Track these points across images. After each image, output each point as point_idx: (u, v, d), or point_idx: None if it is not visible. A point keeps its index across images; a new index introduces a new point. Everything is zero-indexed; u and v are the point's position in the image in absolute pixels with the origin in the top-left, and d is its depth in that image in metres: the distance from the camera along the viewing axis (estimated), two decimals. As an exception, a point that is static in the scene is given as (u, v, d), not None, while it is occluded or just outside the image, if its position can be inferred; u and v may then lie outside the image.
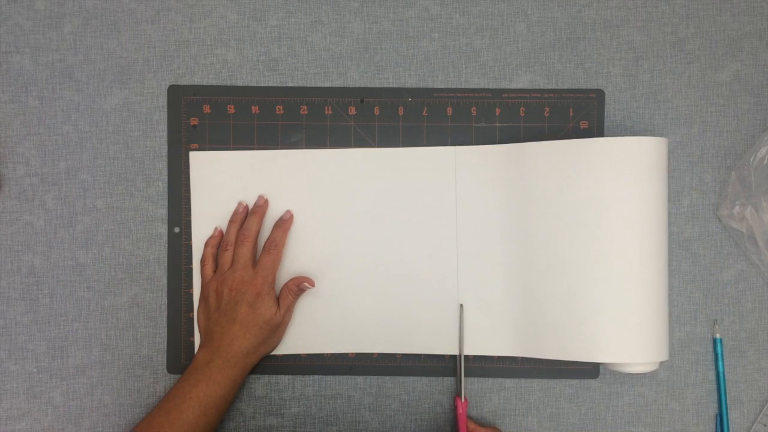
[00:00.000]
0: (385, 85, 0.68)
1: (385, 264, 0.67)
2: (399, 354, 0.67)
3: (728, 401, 0.67)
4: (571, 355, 0.62)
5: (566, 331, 0.62)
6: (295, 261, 0.67)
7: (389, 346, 0.66)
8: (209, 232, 0.67)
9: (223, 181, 0.67)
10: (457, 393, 0.65)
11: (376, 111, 0.68)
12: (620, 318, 0.61)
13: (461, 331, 0.65)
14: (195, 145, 0.68)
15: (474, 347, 0.66)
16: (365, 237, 0.67)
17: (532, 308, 0.63)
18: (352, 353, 0.67)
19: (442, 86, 0.68)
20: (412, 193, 0.67)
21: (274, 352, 0.67)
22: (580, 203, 0.62)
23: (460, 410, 0.64)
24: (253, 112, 0.68)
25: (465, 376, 0.68)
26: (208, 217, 0.67)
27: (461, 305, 0.66)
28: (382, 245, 0.67)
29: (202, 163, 0.68)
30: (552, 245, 0.63)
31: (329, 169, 0.67)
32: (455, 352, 0.66)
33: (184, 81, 0.69)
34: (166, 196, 0.68)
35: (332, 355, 0.68)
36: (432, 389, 0.68)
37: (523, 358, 0.67)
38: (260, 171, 0.67)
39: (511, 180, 0.65)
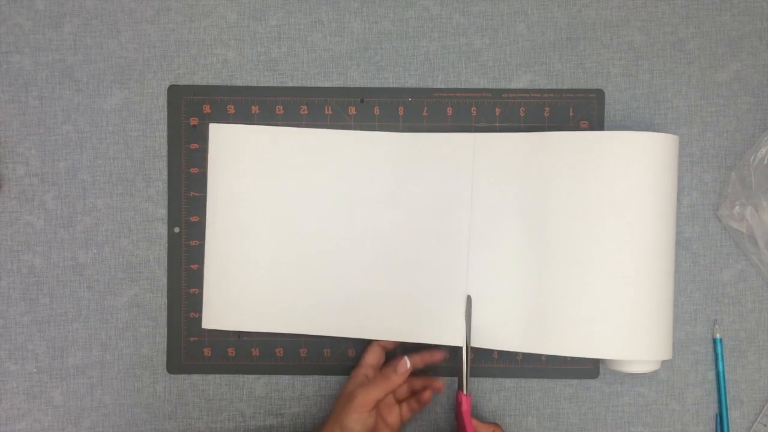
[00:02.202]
0: (385, 85, 0.68)
1: (396, 248, 0.66)
2: (399, 352, 0.67)
3: (728, 401, 0.67)
4: (577, 351, 0.62)
5: (574, 327, 0.62)
6: (306, 241, 0.66)
7: (393, 334, 0.65)
8: (222, 206, 0.67)
9: (241, 155, 0.67)
10: (460, 388, 0.63)
11: (376, 111, 0.68)
12: (628, 314, 0.61)
13: (468, 323, 0.64)
14: (195, 145, 0.68)
15: (480, 340, 0.64)
16: (378, 220, 0.66)
17: (542, 302, 0.63)
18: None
19: (442, 86, 0.68)
20: (429, 178, 0.66)
21: (289, 331, 0.66)
22: (594, 196, 0.62)
23: (464, 407, 0.62)
24: (253, 112, 0.68)
25: (465, 376, 0.68)
26: (222, 190, 0.67)
27: (468, 296, 0.65)
28: (394, 229, 0.66)
29: (223, 135, 0.67)
30: (565, 238, 0.62)
31: (347, 149, 0.67)
32: (460, 343, 0.64)
33: (184, 81, 0.69)
34: (166, 196, 0.68)
35: (333, 354, 0.68)
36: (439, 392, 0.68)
37: (523, 357, 0.67)
38: (278, 147, 0.67)
39: (529, 170, 0.64)
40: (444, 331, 0.65)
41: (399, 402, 0.64)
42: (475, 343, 0.65)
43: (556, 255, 0.63)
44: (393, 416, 0.63)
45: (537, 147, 0.64)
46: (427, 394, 0.63)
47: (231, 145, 0.67)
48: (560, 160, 0.63)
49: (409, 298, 0.66)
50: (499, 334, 0.64)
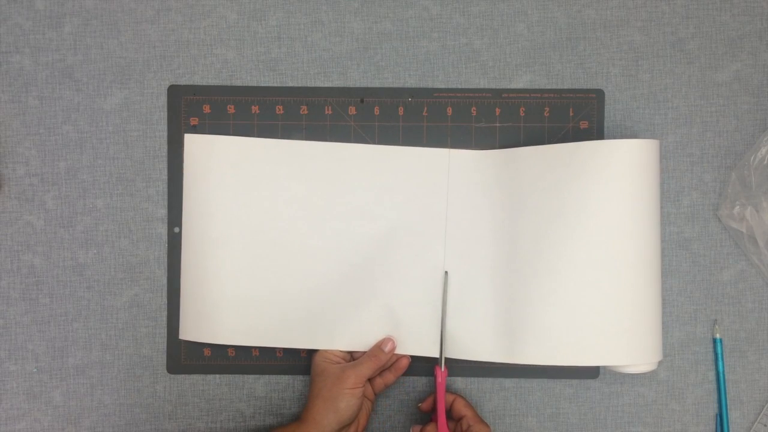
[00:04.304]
0: (385, 85, 0.68)
1: (371, 261, 0.66)
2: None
3: (728, 401, 0.67)
4: (563, 360, 0.62)
5: (557, 336, 0.62)
6: (281, 253, 0.66)
7: (369, 346, 0.65)
8: (198, 216, 0.66)
9: (216, 166, 0.67)
10: (438, 363, 0.65)
11: (376, 111, 0.68)
12: (613, 321, 0.61)
13: (444, 297, 0.65)
14: (195, 145, 0.68)
15: (456, 350, 0.65)
16: (353, 232, 0.66)
17: (520, 313, 0.63)
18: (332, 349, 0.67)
19: (442, 86, 0.68)
20: (404, 192, 0.66)
21: (264, 345, 0.66)
22: (570, 206, 0.62)
23: (439, 379, 0.64)
24: (253, 112, 0.68)
25: (464, 375, 0.68)
26: (197, 201, 0.67)
27: (446, 272, 0.65)
28: (369, 241, 0.66)
29: (197, 146, 0.67)
30: (542, 249, 0.62)
31: (323, 161, 0.67)
32: (436, 354, 0.65)
33: (184, 81, 0.69)
34: (166, 196, 0.68)
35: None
36: (431, 389, 0.68)
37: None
38: (254, 158, 0.66)
39: (503, 184, 0.65)
40: (421, 342, 0.65)
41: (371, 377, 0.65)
42: (451, 354, 0.65)
43: (531, 266, 0.63)
44: (368, 390, 0.65)
45: (510, 162, 0.65)
46: (404, 361, 0.65)
47: (206, 156, 0.67)
48: (533, 173, 0.63)
49: (385, 310, 0.66)
50: (475, 344, 0.65)
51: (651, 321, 0.62)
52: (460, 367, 0.67)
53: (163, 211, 0.68)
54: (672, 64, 0.68)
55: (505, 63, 0.68)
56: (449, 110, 0.68)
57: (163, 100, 0.69)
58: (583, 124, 0.68)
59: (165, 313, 0.68)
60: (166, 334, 0.68)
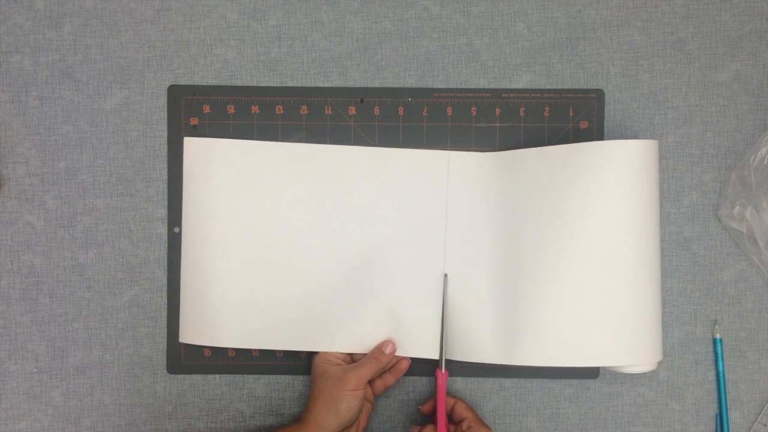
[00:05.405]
0: (385, 85, 0.68)
1: (371, 263, 0.66)
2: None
3: (728, 401, 0.68)
4: (563, 361, 0.61)
5: (557, 337, 0.61)
6: (281, 256, 0.66)
7: (369, 349, 0.65)
8: (198, 220, 0.67)
9: (215, 169, 0.67)
10: (438, 365, 0.65)
11: (376, 111, 0.68)
12: (612, 321, 0.61)
13: (444, 300, 0.65)
14: (195, 145, 0.68)
15: (457, 353, 0.65)
16: (353, 234, 0.66)
17: (520, 314, 0.63)
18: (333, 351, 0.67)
19: (442, 86, 0.68)
20: (404, 194, 0.66)
21: (264, 347, 0.66)
22: (570, 207, 0.62)
23: (439, 381, 0.64)
24: (253, 112, 0.68)
25: (464, 375, 0.68)
26: (197, 204, 0.67)
27: (445, 274, 0.65)
28: (369, 243, 0.66)
29: (197, 149, 0.67)
30: (542, 250, 0.62)
31: (322, 163, 0.67)
32: (436, 356, 0.65)
33: (184, 81, 0.69)
34: (166, 196, 0.68)
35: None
36: (432, 389, 0.68)
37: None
38: (253, 161, 0.67)
39: (502, 186, 0.65)
40: (421, 344, 0.65)
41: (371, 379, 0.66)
42: (451, 356, 0.65)
43: (531, 267, 0.63)
44: (367, 392, 0.65)
45: (509, 163, 0.65)
46: (404, 363, 0.65)
47: (206, 159, 0.67)
48: (532, 175, 0.63)
49: (385, 312, 0.66)
50: (475, 346, 0.65)
51: (651, 321, 0.62)
52: (460, 367, 0.67)
53: (163, 211, 0.68)
54: (672, 64, 0.68)
55: (505, 63, 0.68)
56: (449, 110, 0.68)
57: (163, 100, 0.69)
58: (583, 124, 0.68)
59: (165, 314, 0.68)
60: (166, 335, 0.68)
